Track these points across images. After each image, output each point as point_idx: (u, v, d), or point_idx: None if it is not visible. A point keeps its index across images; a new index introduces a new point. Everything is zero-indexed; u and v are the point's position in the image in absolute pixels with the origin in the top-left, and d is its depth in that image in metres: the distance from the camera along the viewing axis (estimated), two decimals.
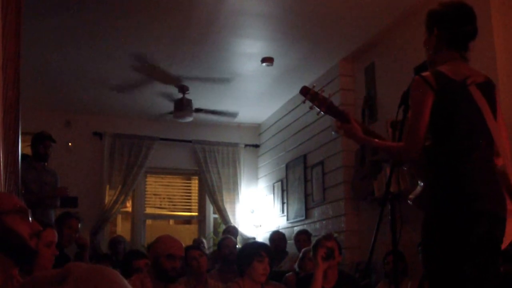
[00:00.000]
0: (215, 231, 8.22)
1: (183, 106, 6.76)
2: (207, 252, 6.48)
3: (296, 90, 6.80)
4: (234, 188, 8.11)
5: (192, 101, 6.83)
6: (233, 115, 7.31)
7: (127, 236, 7.64)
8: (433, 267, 2.31)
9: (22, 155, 3.36)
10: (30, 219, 1.88)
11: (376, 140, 2.57)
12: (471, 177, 2.27)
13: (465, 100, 2.35)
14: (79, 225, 4.64)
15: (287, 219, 7.06)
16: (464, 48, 2.47)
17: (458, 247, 2.22)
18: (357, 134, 2.57)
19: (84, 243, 4.66)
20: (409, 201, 2.81)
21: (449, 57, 2.45)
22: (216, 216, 8.19)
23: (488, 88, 2.43)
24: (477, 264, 2.23)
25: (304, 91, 2.68)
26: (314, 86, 2.67)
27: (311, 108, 2.69)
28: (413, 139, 2.33)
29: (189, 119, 6.95)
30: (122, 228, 8.49)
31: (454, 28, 2.46)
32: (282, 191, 7.36)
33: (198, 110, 6.97)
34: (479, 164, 2.30)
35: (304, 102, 2.71)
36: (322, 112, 2.68)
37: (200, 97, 6.94)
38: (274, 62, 5.94)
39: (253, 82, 6.70)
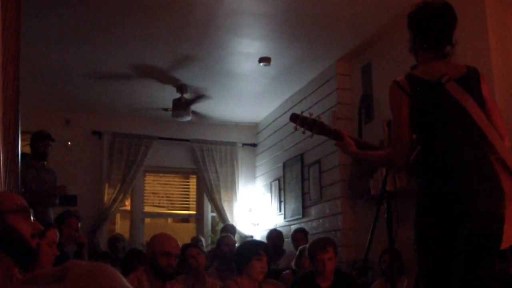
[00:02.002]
0: (213, 230, 8.26)
1: (181, 106, 6.79)
2: (205, 250, 6.51)
3: (293, 90, 6.93)
4: (232, 186, 8.15)
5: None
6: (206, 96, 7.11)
7: (126, 234, 7.66)
8: (425, 266, 2.33)
9: (22, 154, 3.39)
10: (32, 218, 1.89)
11: (369, 152, 2.63)
12: (459, 176, 2.25)
13: (442, 99, 2.33)
14: (79, 224, 4.66)
15: (284, 218, 7.09)
16: (440, 46, 2.44)
17: (448, 245, 2.23)
18: (351, 150, 2.65)
19: (83, 242, 4.68)
20: None
21: (425, 57, 2.46)
22: (214, 214, 8.22)
23: (470, 80, 2.39)
24: (468, 263, 2.22)
25: (293, 118, 2.73)
26: (302, 112, 2.72)
27: (303, 132, 2.73)
28: (398, 146, 2.39)
29: (188, 118, 6.98)
30: (121, 226, 8.51)
31: (423, 28, 2.45)
32: (280, 189, 7.39)
33: (190, 102, 6.93)
34: (468, 162, 2.27)
35: (295, 128, 2.74)
36: (314, 134, 2.72)
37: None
38: (272, 62, 5.96)
39: (250, 82, 6.72)
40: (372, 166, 5.14)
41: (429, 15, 2.43)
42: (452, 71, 2.39)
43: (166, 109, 7.04)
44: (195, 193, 8.51)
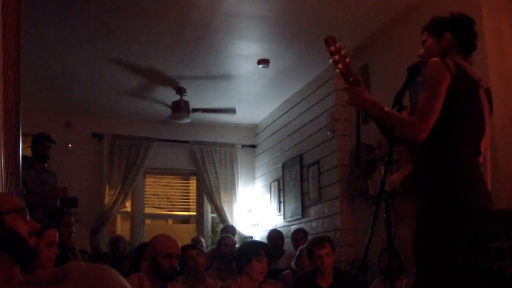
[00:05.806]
0: (213, 230, 8.29)
1: (180, 108, 6.82)
2: (206, 250, 6.53)
3: (292, 91, 6.96)
4: (231, 187, 8.18)
5: (190, 103, 6.89)
6: (231, 110, 7.17)
7: (126, 235, 7.69)
8: (426, 263, 2.36)
9: (22, 156, 3.41)
10: (28, 217, 1.90)
11: (387, 109, 2.45)
12: (468, 174, 2.34)
13: (475, 99, 2.43)
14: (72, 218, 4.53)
15: (284, 218, 7.12)
16: (469, 57, 2.58)
17: (451, 243, 2.26)
18: (364, 96, 2.53)
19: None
20: (391, 185, 2.85)
21: (459, 60, 2.53)
22: (214, 215, 8.25)
23: (490, 96, 2.54)
24: (469, 261, 2.25)
25: (330, 42, 2.57)
26: (341, 39, 2.57)
27: (331, 61, 2.62)
28: (428, 118, 2.31)
29: (187, 120, 7.02)
30: (121, 228, 8.55)
31: (468, 37, 2.56)
32: (279, 190, 7.41)
33: (195, 110, 6.99)
34: (475, 162, 2.38)
35: (326, 51, 2.60)
36: (337, 70, 2.62)
37: (197, 99, 6.99)
38: (270, 64, 5.99)
39: (249, 84, 6.75)
40: (370, 165, 5.16)
41: (474, 28, 2.58)
42: (482, 81, 2.51)
43: (168, 105, 7.03)
44: (195, 194, 8.54)
